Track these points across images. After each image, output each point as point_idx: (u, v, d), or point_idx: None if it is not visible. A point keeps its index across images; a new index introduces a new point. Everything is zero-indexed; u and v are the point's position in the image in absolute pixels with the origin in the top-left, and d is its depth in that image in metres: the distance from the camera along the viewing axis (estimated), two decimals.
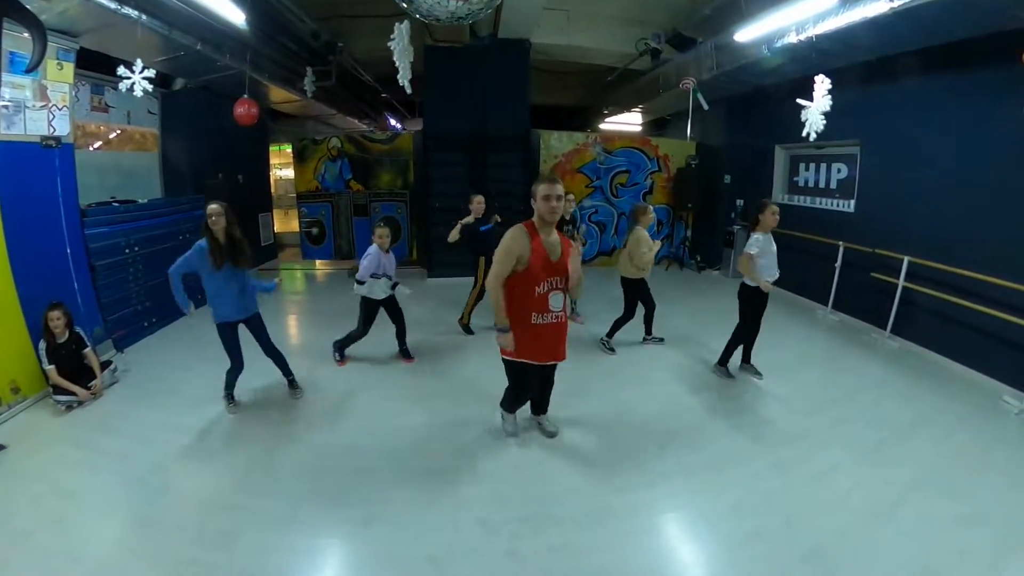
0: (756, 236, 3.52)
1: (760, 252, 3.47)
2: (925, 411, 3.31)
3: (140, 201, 5.08)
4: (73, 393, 3.34)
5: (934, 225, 4.16)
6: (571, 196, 4.82)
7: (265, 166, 8.04)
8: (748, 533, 2.20)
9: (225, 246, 3.17)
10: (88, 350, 3.54)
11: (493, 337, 2.73)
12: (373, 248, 3.84)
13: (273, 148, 8.70)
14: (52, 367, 3.30)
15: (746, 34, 4.64)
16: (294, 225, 8.78)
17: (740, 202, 6.63)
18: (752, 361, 3.85)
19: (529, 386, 2.82)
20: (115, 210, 4.63)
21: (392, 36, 4.32)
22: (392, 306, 4.10)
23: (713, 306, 5.50)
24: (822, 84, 3.88)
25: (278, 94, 6.55)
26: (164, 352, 4.46)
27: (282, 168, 9.53)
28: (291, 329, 5.21)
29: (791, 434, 3.03)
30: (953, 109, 3.99)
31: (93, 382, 3.47)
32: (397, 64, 4.37)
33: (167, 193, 6.06)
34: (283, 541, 2.22)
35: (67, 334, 3.42)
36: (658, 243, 4.23)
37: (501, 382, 2.91)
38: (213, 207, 3.18)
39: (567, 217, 4.67)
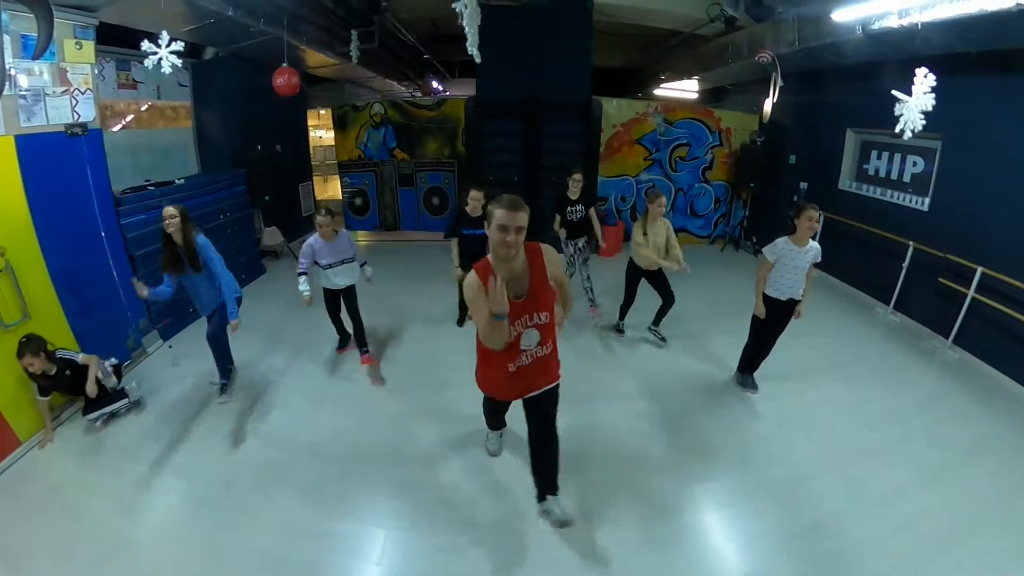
0: (778, 241, 3.35)
1: (777, 261, 3.32)
2: (985, 435, 3.44)
3: (178, 182, 5.09)
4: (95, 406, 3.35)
5: (1016, 238, 4.09)
6: (577, 176, 4.63)
7: (303, 133, 7.93)
8: (830, 553, 2.45)
9: (184, 250, 3.27)
10: (81, 357, 3.31)
11: None
12: (313, 237, 3.81)
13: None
14: (46, 400, 3.20)
15: (845, 15, 4.41)
16: (331, 192, 8.71)
17: (804, 185, 6.54)
18: (756, 374, 3.86)
19: (496, 414, 2.84)
20: (151, 194, 4.57)
21: None
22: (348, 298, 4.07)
23: None
24: (924, 80, 3.72)
25: (315, 59, 6.33)
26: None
27: (318, 130, 9.26)
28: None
29: (859, 449, 3.25)
30: None
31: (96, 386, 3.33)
32: (466, 31, 4.20)
33: (204, 169, 6.08)
34: (369, 572, 2.33)
35: (53, 368, 3.15)
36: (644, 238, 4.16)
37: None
38: (167, 210, 3.21)
39: (573, 197, 4.61)
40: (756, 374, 3.93)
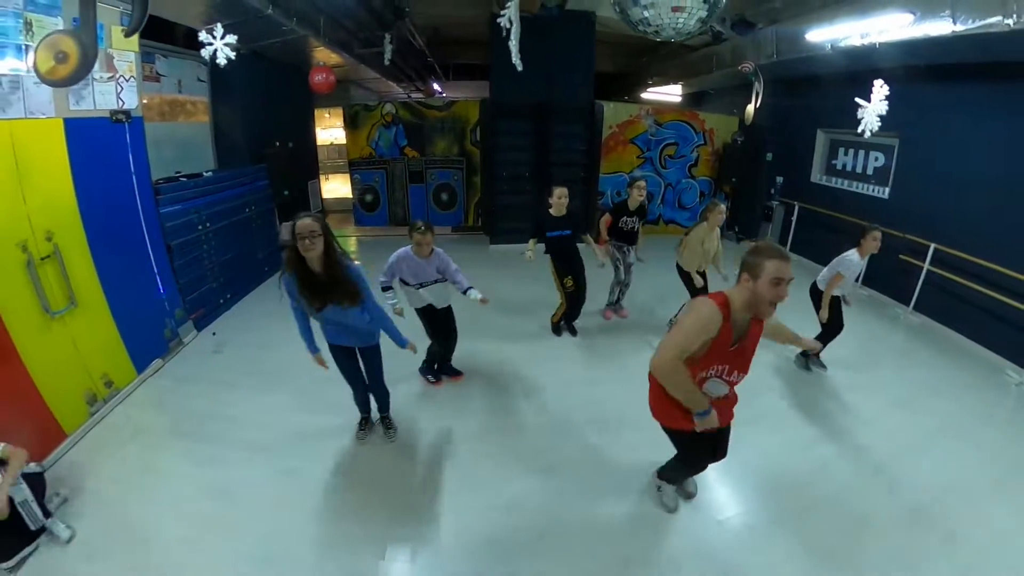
0: (851, 258, 3.88)
1: (849, 275, 3.89)
2: (941, 376, 4.35)
3: (206, 174, 5.24)
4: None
5: (961, 218, 5.05)
6: (642, 183, 4.88)
7: (311, 132, 8.10)
8: (835, 454, 3.27)
9: (326, 280, 2.52)
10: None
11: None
12: (404, 251, 3.40)
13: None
14: None
15: (817, 35, 5.22)
16: (335, 191, 8.77)
17: (780, 179, 7.45)
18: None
19: (704, 453, 2.49)
20: (186, 185, 4.74)
21: (502, 13, 4.56)
22: (446, 318, 3.71)
23: None
24: (880, 89, 4.53)
25: (326, 59, 6.55)
26: (249, 330, 4.78)
27: (323, 131, 9.39)
28: None
29: (850, 386, 4.09)
30: (989, 118, 4.80)
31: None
32: (511, 43, 4.64)
33: (220, 164, 6.18)
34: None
35: None
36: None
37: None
38: (306, 223, 2.38)
39: (632, 208, 4.81)
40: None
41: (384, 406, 3.36)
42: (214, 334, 4.63)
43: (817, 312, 4.07)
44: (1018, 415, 3.87)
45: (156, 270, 4.24)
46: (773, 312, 2.00)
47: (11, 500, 2.31)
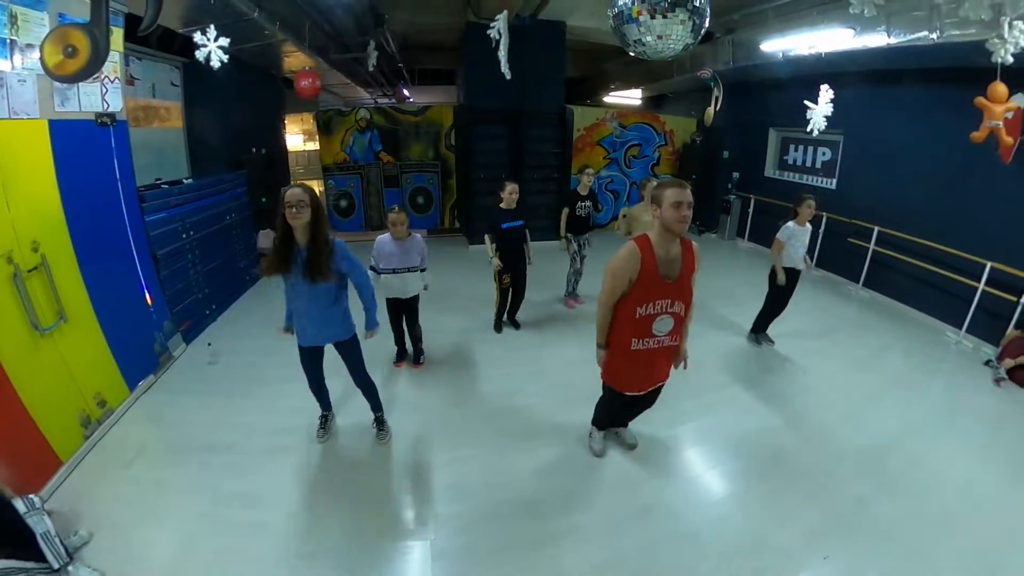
0: (788, 225, 4.18)
1: (788, 240, 4.15)
2: (890, 340, 4.88)
3: (186, 181, 5.00)
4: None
5: (899, 203, 5.68)
6: (590, 170, 5.18)
7: (282, 138, 7.80)
8: (797, 411, 3.63)
9: (306, 250, 2.47)
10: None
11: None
12: (383, 236, 3.49)
13: None
14: None
15: (770, 46, 5.64)
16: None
17: (737, 175, 7.95)
18: (768, 331, 4.65)
19: (618, 408, 2.89)
20: (170, 192, 4.51)
21: (492, 25, 4.67)
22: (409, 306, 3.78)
23: (717, 264, 7.05)
24: (826, 93, 4.99)
25: (297, 63, 6.36)
26: (242, 338, 4.68)
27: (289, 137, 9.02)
28: None
29: (807, 352, 4.52)
30: (921, 116, 5.44)
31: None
32: (500, 53, 4.73)
33: (193, 171, 5.87)
34: None
35: None
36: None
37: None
38: (295, 192, 2.38)
39: (583, 193, 4.99)
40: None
41: (376, 405, 3.21)
42: (209, 344, 4.39)
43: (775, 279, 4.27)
44: (957, 369, 4.42)
45: (144, 281, 4.00)
46: (684, 229, 2.25)
47: (32, 532, 2.09)
